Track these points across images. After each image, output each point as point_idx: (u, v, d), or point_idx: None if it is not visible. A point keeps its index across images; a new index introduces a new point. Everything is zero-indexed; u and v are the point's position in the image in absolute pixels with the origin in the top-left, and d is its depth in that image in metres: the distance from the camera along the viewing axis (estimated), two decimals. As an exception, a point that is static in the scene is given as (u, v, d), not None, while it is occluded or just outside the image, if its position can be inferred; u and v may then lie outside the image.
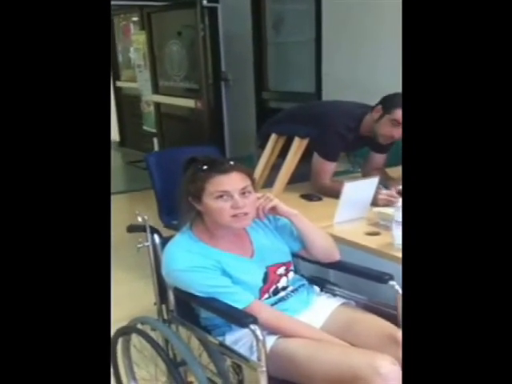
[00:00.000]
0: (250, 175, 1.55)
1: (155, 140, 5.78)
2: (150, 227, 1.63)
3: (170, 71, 5.41)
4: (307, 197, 2.36)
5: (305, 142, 2.26)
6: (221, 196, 1.47)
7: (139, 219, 1.60)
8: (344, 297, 1.69)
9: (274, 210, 1.59)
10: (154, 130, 5.89)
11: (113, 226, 1.66)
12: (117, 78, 6.98)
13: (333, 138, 2.27)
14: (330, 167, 2.34)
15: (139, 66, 5.90)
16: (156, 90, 5.64)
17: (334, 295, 1.71)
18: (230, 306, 1.42)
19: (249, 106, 4.72)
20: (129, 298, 2.87)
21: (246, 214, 1.49)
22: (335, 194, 2.06)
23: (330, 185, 2.33)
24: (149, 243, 1.63)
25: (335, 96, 2.99)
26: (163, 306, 1.68)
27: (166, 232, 1.77)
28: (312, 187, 2.39)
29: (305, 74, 4.24)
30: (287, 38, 4.45)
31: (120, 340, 1.74)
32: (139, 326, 1.66)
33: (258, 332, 1.33)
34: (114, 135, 7.32)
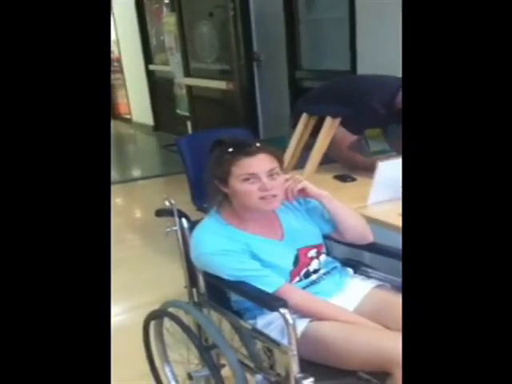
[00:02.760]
0: (278, 156, 1.52)
1: (189, 123, 5.78)
2: (178, 211, 1.62)
3: (201, 53, 5.38)
4: (341, 177, 2.32)
5: (337, 121, 2.21)
6: (248, 179, 1.44)
7: (167, 203, 1.59)
8: (379, 279, 1.65)
9: (303, 191, 1.55)
10: (187, 113, 5.89)
11: (149, 210, 1.69)
12: (149, 61, 7.00)
13: (364, 114, 2.24)
14: (350, 137, 2.36)
15: (171, 49, 5.88)
16: (187, 72, 5.61)
17: (369, 277, 1.67)
18: (260, 290, 1.40)
19: (282, 86, 4.64)
20: (167, 280, 2.89)
21: (274, 196, 1.46)
22: (351, 164, 2.33)
23: (346, 154, 2.39)
24: (177, 227, 1.62)
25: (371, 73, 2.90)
26: (194, 290, 1.68)
27: (199, 215, 1.76)
28: (329, 151, 2.37)
29: (339, 52, 4.13)
30: (320, 15, 4.34)
31: (152, 323, 1.75)
32: (171, 309, 1.66)
33: (288, 316, 1.30)
34: (149, 119, 7.38)
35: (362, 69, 3.78)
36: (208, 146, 1.59)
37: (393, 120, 2.32)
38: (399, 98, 2.21)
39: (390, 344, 1.29)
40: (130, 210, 4.86)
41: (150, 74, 7.07)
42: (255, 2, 4.73)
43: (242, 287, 1.43)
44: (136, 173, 6.28)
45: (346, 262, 1.72)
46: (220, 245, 1.46)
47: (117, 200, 5.03)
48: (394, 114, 2.22)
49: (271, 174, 1.46)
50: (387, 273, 1.67)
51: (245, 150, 1.46)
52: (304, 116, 2.33)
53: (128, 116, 8.35)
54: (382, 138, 2.71)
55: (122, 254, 3.37)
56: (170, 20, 5.81)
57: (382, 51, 3.57)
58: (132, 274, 3.05)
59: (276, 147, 1.57)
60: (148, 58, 7.01)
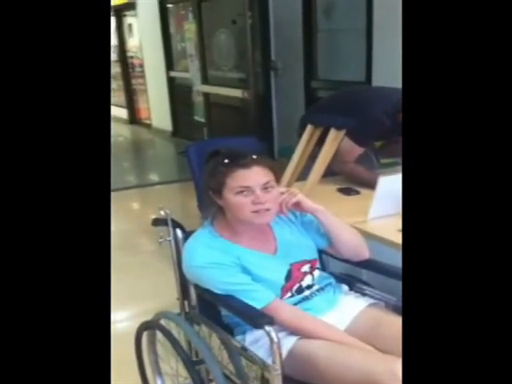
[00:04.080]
0: (274, 169, 1.49)
1: (205, 130, 5.79)
2: (173, 221, 1.61)
3: (218, 61, 5.39)
4: (345, 190, 2.29)
5: (341, 133, 2.17)
6: (242, 191, 1.42)
7: (162, 213, 1.58)
8: (373, 297, 1.61)
9: (297, 205, 1.53)
10: (204, 120, 5.91)
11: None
12: (170, 67, 7.05)
13: (368, 126, 2.23)
14: (357, 150, 2.33)
15: (191, 56, 5.92)
16: (205, 79, 5.63)
17: (363, 295, 1.64)
18: (247, 305, 1.38)
19: (298, 95, 4.63)
20: (168, 288, 2.89)
21: (267, 209, 1.44)
22: (355, 179, 2.30)
23: (351, 167, 2.34)
24: (171, 238, 1.61)
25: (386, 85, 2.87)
26: (186, 302, 1.66)
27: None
28: (333, 164, 2.31)
29: (355, 63, 4.10)
30: (338, 25, 4.31)
31: (145, 334, 1.73)
32: (162, 321, 1.65)
33: (273, 334, 1.28)
34: (168, 125, 7.43)
35: (377, 80, 3.74)
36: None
37: (398, 133, 2.28)
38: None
39: (375, 366, 1.26)
40: (144, 214, 4.86)
41: (170, 81, 7.12)
42: (274, 11, 4.73)
43: (230, 302, 1.40)
44: (152, 177, 6.32)
45: (342, 278, 1.69)
46: (210, 257, 1.44)
47: (132, 204, 5.06)
48: (398, 126, 2.18)
49: (266, 187, 1.44)
50: (383, 290, 1.64)
51: (240, 161, 1.44)
52: (309, 126, 2.30)
53: (148, 121, 8.42)
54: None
55: (127, 260, 3.38)
56: (191, 27, 5.85)
57: (397, 63, 3.52)
58: (134, 281, 3.06)
59: (281, 157, 1.55)
60: (169, 64, 7.06)
